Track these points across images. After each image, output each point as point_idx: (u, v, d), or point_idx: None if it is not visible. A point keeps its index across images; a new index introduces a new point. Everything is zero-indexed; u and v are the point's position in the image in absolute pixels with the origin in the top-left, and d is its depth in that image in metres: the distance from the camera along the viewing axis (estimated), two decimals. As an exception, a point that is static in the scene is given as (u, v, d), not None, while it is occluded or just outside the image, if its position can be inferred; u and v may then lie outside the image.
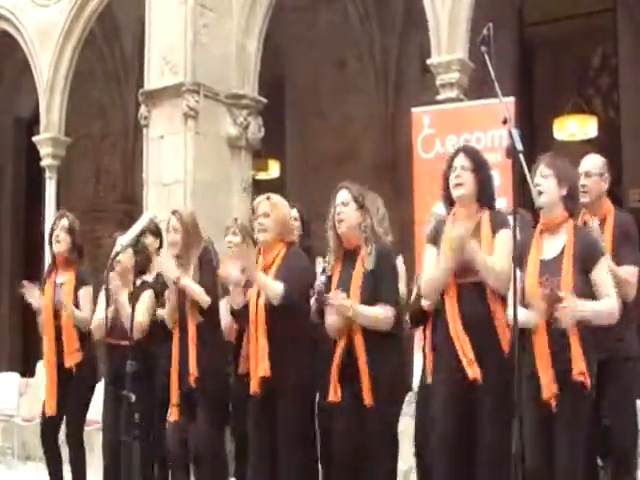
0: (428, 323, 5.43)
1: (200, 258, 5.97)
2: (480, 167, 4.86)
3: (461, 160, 4.85)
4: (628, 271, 5.16)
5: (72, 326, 6.64)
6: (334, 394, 5.02)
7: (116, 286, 6.24)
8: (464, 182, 4.81)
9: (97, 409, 6.93)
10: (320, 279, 5.28)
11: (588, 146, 12.18)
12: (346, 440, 5.05)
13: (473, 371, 4.60)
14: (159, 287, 6.40)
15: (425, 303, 5.23)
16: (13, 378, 10.54)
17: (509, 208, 5.67)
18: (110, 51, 14.79)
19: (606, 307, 4.45)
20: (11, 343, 15.02)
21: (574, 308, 4.29)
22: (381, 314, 5.00)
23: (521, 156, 4.14)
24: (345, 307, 4.91)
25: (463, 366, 4.61)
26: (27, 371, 11.14)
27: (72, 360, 6.62)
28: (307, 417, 5.43)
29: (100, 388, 6.84)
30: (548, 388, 4.38)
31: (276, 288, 5.24)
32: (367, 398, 4.93)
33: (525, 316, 4.37)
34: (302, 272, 5.40)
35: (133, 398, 5.18)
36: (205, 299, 5.85)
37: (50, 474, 6.78)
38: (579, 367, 4.35)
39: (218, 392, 5.92)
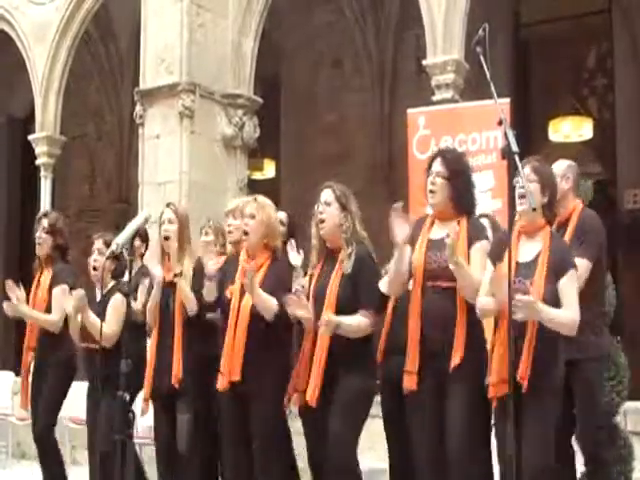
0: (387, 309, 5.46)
1: (195, 268, 5.92)
2: (456, 175, 4.82)
3: (437, 166, 4.85)
4: (579, 264, 5.15)
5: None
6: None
7: (82, 305, 6.13)
8: (436, 190, 4.82)
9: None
10: (299, 282, 5.27)
11: (583, 147, 12.23)
12: (315, 441, 5.07)
13: (409, 381, 4.73)
14: (126, 289, 6.34)
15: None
16: (7, 377, 10.52)
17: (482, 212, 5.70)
18: (106, 50, 14.81)
19: (565, 318, 4.43)
20: (4, 341, 15.00)
21: (531, 304, 4.28)
22: (362, 322, 4.95)
23: (516, 157, 4.15)
24: (333, 326, 4.86)
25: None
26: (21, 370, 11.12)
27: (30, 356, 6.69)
28: (281, 418, 5.42)
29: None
30: (494, 388, 4.40)
31: (272, 305, 5.18)
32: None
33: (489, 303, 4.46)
34: (288, 288, 5.36)
35: (127, 397, 5.17)
36: (194, 307, 5.82)
37: (44, 473, 6.77)
38: (522, 371, 4.34)
39: (199, 391, 5.89)
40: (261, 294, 5.20)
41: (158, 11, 9.97)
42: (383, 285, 5.14)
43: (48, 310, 6.64)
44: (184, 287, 5.83)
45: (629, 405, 6.34)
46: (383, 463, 5.79)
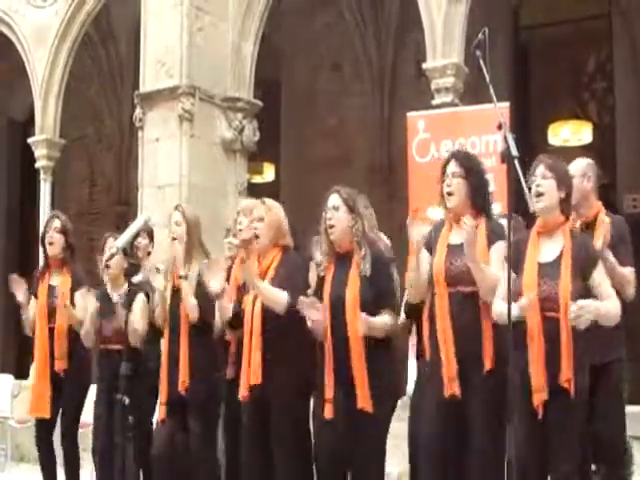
0: (421, 325, 5.43)
1: (201, 274, 5.93)
2: (472, 173, 4.82)
3: (452, 167, 4.84)
4: (629, 271, 5.18)
5: (64, 330, 6.59)
6: (329, 408, 4.98)
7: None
8: (455, 191, 4.80)
9: (91, 411, 6.91)
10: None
11: (583, 152, 12.22)
12: (335, 444, 5.04)
13: (451, 388, 4.64)
14: (149, 287, 6.36)
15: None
16: (6, 380, 10.52)
17: (502, 212, 5.67)
18: (106, 53, 14.81)
19: (613, 307, 4.46)
20: (4, 344, 15.00)
21: (587, 309, 4.26)
22: (389, 321, 5.02)
23: (516, 161, 4.15)
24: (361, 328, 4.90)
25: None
26: (20, 373, 11.12)
27: (61, 365, 6.58)
28: (300, 422, 5.39)
29: (93, 390, 6.81)
30: (538, 395, 4.39)
31: (281, 298, 5.19)
32: (363, 403, 4.91)
33: (515, 310, 4.35)
34: (301, 277, 5.34)
35: (127, 401, 5.17)
36: (195, 314, 5.79)
37: (44, 476, 6.77)
38: (566, 374, 4.36)
39: (208, 398, 5.88)
40: (266, 287, 5.21)
41: (158, 14, 9.97)
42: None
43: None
44: (187, 291, 5.81)
45: (629, 410, 6.33)
46: (391, 467, 5.80)
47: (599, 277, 4.50)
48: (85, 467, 6.88)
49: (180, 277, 5.83)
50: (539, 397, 4.38)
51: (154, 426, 6.19)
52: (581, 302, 4.26)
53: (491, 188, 7.27)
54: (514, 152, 4.13)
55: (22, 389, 10.31)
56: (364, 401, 4.90)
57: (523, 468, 4.28)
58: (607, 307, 4.42)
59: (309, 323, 4.98)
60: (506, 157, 4.16)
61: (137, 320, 6.13)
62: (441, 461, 4.70)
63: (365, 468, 5.00)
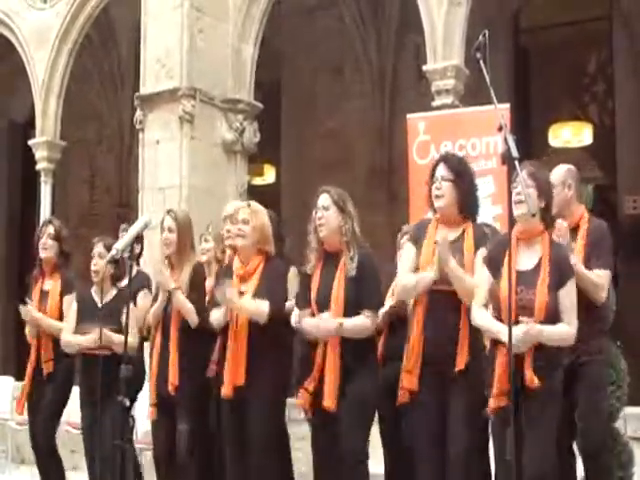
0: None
1: (193, 274, 5.94)
2: (461, 177, 4.87)
3: (441, 170, 4.88)
4: (598, 275, 5.17)
5: (49, 334, 6.62)
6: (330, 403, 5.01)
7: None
8: (443, 194, 4.84)
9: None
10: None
11: (583, 153, 12.25)
12: (324, 444, 5.10)
13: (409, 382, 4.76)
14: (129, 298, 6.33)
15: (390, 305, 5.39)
16: (7, 382, 10.51)
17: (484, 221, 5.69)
18: (106, 55, 14.82)
19: (564, 333, 4.47)
20: (5, 346, 15.00)
21: (534, 334, 4.31)
22: (366, 324, 5.02)
23: (517, 163, 4.15)
24: (332, 328, 4.92)
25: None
26: (21, 375, 11.10)
27: (47, 369, 6.63)
28: (278, 423, 5.41)
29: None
30: (495, 399, 4.39)
31: (261, 309, 5.24)
32: (328, 403, 4.95)
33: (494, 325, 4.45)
34: (283, 285, 5.43)
35: (127, 403, 5.16)
36: (194, 319, 5.82)
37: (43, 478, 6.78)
38: (529, 375, 4.36)
39: (197, 398, 5.89)
40: (245, 305, 5.25)
41: (158, 16, 9.97)
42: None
43: (60, 318, 6.65)
44: (182, 301, 5.83)
45: (629, 411, 6.33)
46: (382, 468, 5.80)
47: (566, 296, 4.51)
48: (82, 469, 6.86)
49: (169, 291, 5.85)
50: (497, 401, 4.38)
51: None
52: (527, 327, 4.29)
53: (491, 190, 7.29)
54: (514, 154, 4.12)
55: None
56: (330, 400, 4.93)
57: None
58: (556, 334, 4.42)
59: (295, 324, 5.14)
60: (506, 159, 4.16)
61: (132, 334, 6.08)
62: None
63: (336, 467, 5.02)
